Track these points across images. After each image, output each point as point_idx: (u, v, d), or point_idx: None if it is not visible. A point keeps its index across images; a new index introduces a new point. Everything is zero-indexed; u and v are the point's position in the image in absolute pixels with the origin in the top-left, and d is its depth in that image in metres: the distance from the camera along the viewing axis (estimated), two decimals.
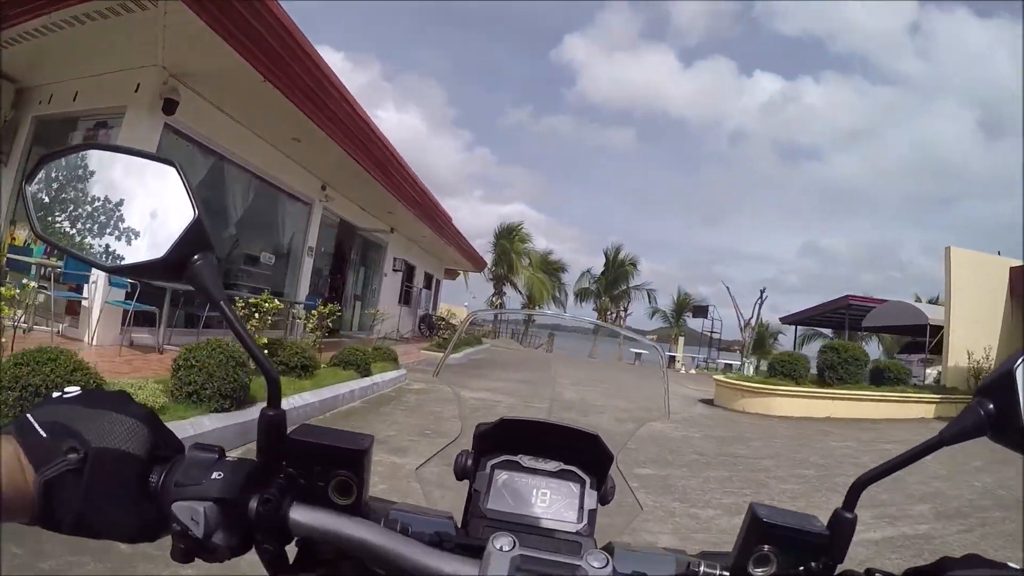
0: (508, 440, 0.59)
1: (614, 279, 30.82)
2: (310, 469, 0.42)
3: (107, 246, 0.46)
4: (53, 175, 0.48)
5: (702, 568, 0.45)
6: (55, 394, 0.42)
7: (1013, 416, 0.41)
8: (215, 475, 0.40)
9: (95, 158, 0.48)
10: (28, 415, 0.39)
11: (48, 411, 0.40)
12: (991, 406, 0.42)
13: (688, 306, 30.64)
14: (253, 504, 0.40)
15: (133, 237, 0.45)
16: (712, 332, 27.68)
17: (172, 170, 0.45)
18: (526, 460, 0.59)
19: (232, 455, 0.42)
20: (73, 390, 0.42)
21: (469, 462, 0.59)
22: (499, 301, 27.50)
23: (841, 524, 0.44)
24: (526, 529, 0.54)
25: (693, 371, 23.90)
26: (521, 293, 29.36)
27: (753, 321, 24.47)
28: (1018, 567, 0.42)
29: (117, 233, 0.46)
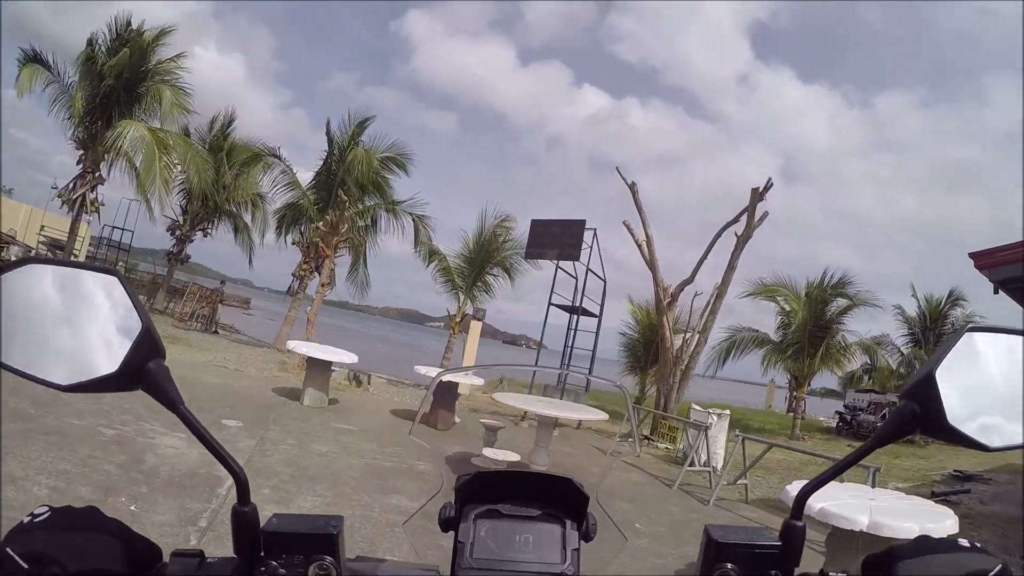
0: (488, 490, 0.61)
1: (360, 182, 14.03)
2: (288, 559, 0.44)
3: (60, 364, 0.46)
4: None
5: None
6: (25, 519, 0.42)
7: (939, 415, 0.45)
8: None
9: (37, 272, 0.47)
10: (6, 548, 0.40)
11: (23, 540, 0.41)
12: (917, 407, 0.46)
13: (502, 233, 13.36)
14: None
15: (85, 352, 0.45)
16: (578, 305, 11.17)
17: (114, 280, 0.46)
18: (506, 508, 0.61)
19: (212, 557, 0.44)
20: (42, 511, 0.43)
21: (452, 514, 0.61)
22: (93, 197, 13.24)
23: (791, 533, 0.48)
24: (513, 574, 0.57)
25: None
26: (148, 203, 13.80)
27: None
28: (967, 543, 0.47)
29: (68, 349, 0.46)
